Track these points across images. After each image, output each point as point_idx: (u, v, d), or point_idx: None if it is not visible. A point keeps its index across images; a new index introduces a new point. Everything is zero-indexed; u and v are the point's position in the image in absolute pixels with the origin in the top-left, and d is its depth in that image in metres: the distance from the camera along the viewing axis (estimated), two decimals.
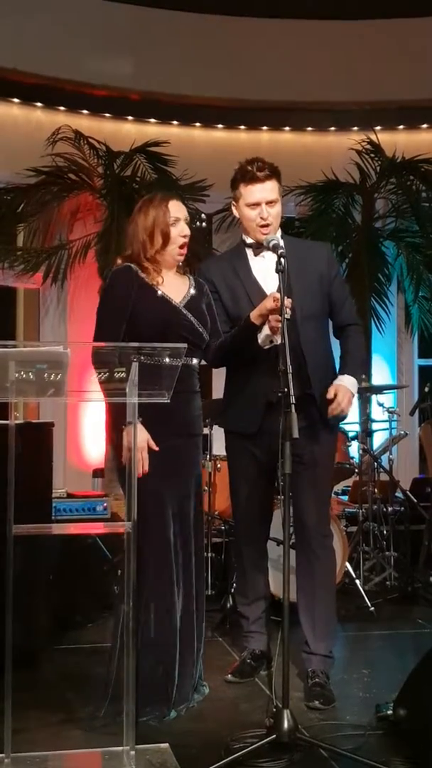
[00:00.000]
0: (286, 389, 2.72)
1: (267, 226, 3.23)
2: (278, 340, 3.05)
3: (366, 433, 5.36)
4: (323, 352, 3.33)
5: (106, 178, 6.60)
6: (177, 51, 6.84)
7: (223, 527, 4.98)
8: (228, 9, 7.00)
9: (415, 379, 7.46)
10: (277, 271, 2.91)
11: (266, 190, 3.22)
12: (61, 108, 6.87)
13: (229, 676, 3.41)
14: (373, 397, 5.52)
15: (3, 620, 2.47)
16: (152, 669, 2.96)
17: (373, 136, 6.97)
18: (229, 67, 6.95)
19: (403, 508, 5.40)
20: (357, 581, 4.62)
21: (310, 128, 7.41)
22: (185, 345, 2.80)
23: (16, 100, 6.79)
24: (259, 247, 3.27)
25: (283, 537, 2.80)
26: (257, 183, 3.21)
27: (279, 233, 3.30)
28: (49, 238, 6.64)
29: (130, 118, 7.12)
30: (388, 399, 6.06)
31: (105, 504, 4.43)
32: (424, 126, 7.40)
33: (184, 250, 3.16)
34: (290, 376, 2.74)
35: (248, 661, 3.46)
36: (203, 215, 6.91)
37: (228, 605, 4.20)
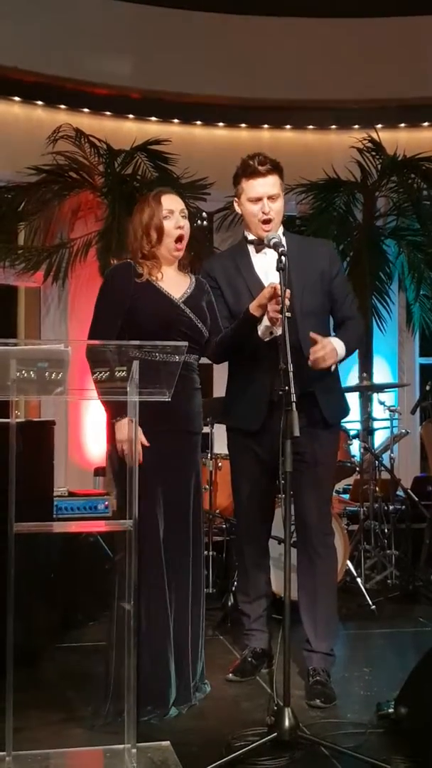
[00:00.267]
0: (286, 387, 2.72)
1: (269, 221, 3.22)
2: (278, 331, 3.05)
3: (367, 432, 5.36)
4: None
5: (107, 177, 6.60)
6: (178, 49, 6.84)
7: (224, 525, 4.99)
8: (229, 7, 6.99)
9: (417, 378, 7.45)
10: (278, 269, 2.91)
11: (268, 184, 3.21)
12: (62, 106, 6.87)
13: (230, 675, 3.41)
14: (375, 396, 5.52)
15: (4, 619, 2.47)
16: (145, 667, 2.95)
17: (374, 135, 6.97)
18: (230, 66, 6.94)
19: (404, 507, 5.40)
20: (358, 579, 4.62)
21: (311, 126, 7.41)
22: (186, 343, 2.80)
23: (16, 98, 6.78)
24: (260, 244, 3.27)
25: (284, 535, 2.79)
26: (259, 177, 3.21)
27: (281, 230, 3.30)
28: (50, 236, 6.64)
29: (130, 116, 7.12)
30: (389, 397, 6.07)
31: (106, 502, 4.43)
32: (425, 124, 7.40)
33: (180, 245, 3.14)
34: (291, 374, 2.74)
35: (249, 659, 3.46)
36: (204, 214, 6.92)
37: (229, 604, 4.20)
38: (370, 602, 4.48)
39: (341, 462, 4.72)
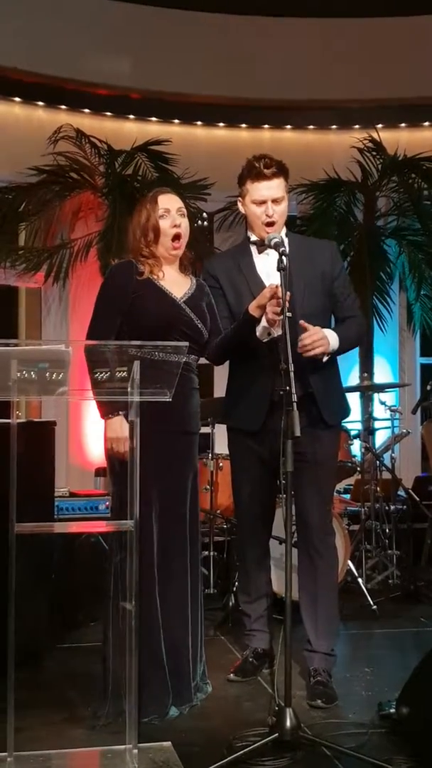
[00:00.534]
0: (287, 387, 2.72)
1: (272, 224, 3.22)
2: (276, 332, 3.06)
3: (368, 432, 5.36)
4: None
5: (108, 177, 6.60)
6: (178, 49, 6.84)
7: (225, 526, 4.98)
8: (229, 7, 7.00)
9: (417, 378, 7.45)
10: (279, 269, 2.91)
11: (273, 187, 3.21)
12: (63, 107, 6.87)
13: (231, 675, 3.41)
14: (376, 396, 5.52)
15: (6, 619, 2.47)
16: (142, 666, 2.95)
17: (374, 134, 6.97)
18: (230, 66, 6.94)
19: (405, 507, 5.40)
20: (359, 579, 4.61)
21: (311, 126, 7.41)
22: (186, 343, 2.80)
23: (17, 99, 6.78)
24: (263, 245, 3.27)
25: (285, 535, 2.79)
26: (264, 180, 3.20)
27: (283, 231, 3.30)
28: (51, 237, 6.64)
29: (131, 116, 7.12)
30: (390, 397, 6.07)
31: (107, 503, 4.42)
32: (426, 124, 7.40)
33: (178, 243, 3.14)
34: (292, 374, 2.74)
35: (250, 659, 3.46)
36: (204, 214, 6.92)
37: (230, 604, 4.20)
38: (372, 602, 4.48)
39: (342, 462, 4.72)
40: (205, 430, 4.24)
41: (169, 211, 3.12)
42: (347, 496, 5.94)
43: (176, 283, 3.16)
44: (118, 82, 6.91)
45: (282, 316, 2.84)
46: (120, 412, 2.96)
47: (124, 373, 2.59)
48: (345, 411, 3.42)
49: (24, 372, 2.47)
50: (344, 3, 7.03)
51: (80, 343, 2.70)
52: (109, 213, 6.43)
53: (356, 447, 5.34)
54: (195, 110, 7.17)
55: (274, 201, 3.22)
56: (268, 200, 3.21)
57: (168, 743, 2.72)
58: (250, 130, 7.35)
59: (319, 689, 3.17)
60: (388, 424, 5.32)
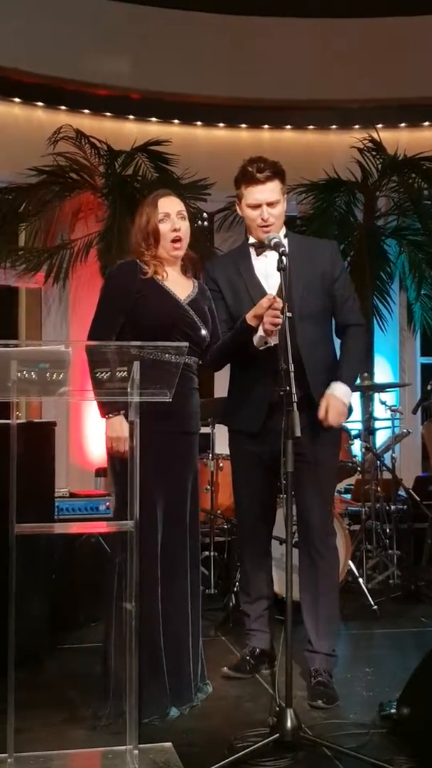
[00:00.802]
0: (287, 388, 2.72)
1: (268, 226, 3.22)
2: (272, 342, 3.07)
3: (369, 432, 5.36)
4: (324, 353, 3.31)
5: (108, 178, 6.60)
6: (178, 50, 6.84)
7: (225, 526, 4.98)
8: (229, 7, 7.00)
9: (418, 377, 7.45)
10: (278, 269, 2.91)
11: (267, 191, 3.20)
12: (62, 107, 6.87)
13: (226, 668, 3.42)
14: (376, 396, 5.52)
15: (6, 619, 2.47)
16: (143, 667, 2.95)
17: (374, 134, 6.97)
18: (230, 66, 6.94)
19: (405, 507, 5.40)
20: (360, 580, 4.61)
21: (311, 126, 7.40)
22: (187, 343, 2.80)
23: (17, 99, 6.78)
24: (261, 246, 3.27)
25: (285, 536, 2.79)
26: (258, 184, 3.20)
27: (282, 231, 3.30)
28: (51, 237, 6.64)
29: (131, 117, 7.12)
30: (390, 397, 6.06)
31: (107, 503, 4.42)
32: (426, 124, 7.39)
33: (179, 245, 3.14)
34: (292, 374, 2.74)
35: (248, 658, 3.47)
36: (205, 214, 6.91)
37: (231, 604, 4.20)
38: (372, 602, 4.48)
39: (343, 462, 4.71)
40: (205, 430, 4.24)
41: (169, 215, 3.12)
42: (348, 496, 5.94)
43: (179, 285, 3.16)
44: (118, 83, 6.91)
45: (283, 319, 2.84)
46: (120, 412, 2.96)
47: (124, 373, 2.59)
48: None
49: (24, 372, 2.46)
50: (344, 3, 7.03)
51: (80, 343, 2.69)
52: (109, 213, 6.43)
53: (357, 447, 5.33)
54: (195, 110, 7.17)
55: (269, 204, 3.21)
56: (262, 204, 3.21)
57: (168, 744, 2.71)
58: (250, 130, 7.35)
59: (320, 690, 3.17)
60: (388, 423, 5.32)
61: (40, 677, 3.42)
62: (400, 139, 7.12)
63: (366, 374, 5.98)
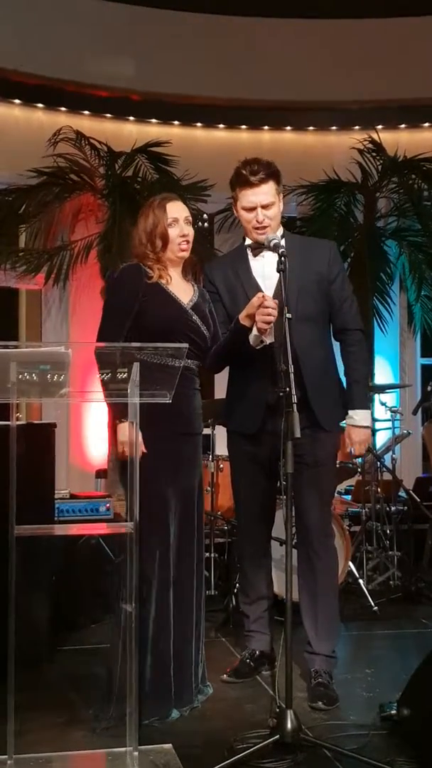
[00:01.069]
0: (287, 389, 2.72)
1: (263, 228, 3.22)
2: (267, 340, 3.07)
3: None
4: (321, 355, 3.30)
5: (108, 179, 6.60)
6: (178, 51, 6.84)
7: (225, 527, 4.98)
8: (229, 9, 7.00)
9: (418, 378, 7.45)
10: (278, 270, 2.91)
11: (261, 194, 3.20)
12: (63, 109, 6.87)
13: (225, 675, 3.41)
14: (376, 397, 5.51)
15: (6, 621, 2.47)
16: (151, 669, 2.95)
17: (374, 135, 6.96)
18: (230, 67, 6.94)
19: (406, 508, 5.39)
20: (360, 581, 4.61)
21: (311, 128, 7.40)
22: (187, 345, 2.80)
23: (17, 101, 6.78)
24: (258, 248, 3.28)
25: (285, 537, 2.79)
26: (252, 187, 3.20)
27: (280, 231, 3.30)
28: (51, 239, 6.64)
29: (131, 118, 7.12)
30: (390, 398, 6.07)
31: (108, 504, 4.42)
32: (426, 125, 7.39)
33: (185, 247, 3.15)
34: (292, 375, 2.74)
35: (247, 661, 3.46)
36: (205, 215, 6.91)
37: (231, 605, 4.20)
38: (373, 603, 4.48)
39: (343, 463, 4.71)
40: (205, 431, 4.24)
41: (178, 221, 3.13)
42: (348, 497, 5.93)
43: (182, 289, 3.17)
44: (118, 84, 6.90)
45: (284, 320, 2.84)
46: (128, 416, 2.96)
47: (125, 374, 2.59)
48: (342, 415, 3.41)
49: (24, 374, 2.47)
50: (344, 4, 7.03)
51: (80, 344, 2.70)
52: (110, 215, 6.43)
53: None
54: (195, 112, 7.16)
55: (264, 207, 3.21)
56: (257, 206, 3.21)
57: (169, 745, 2.72)
58: (250, 131, 7.35)
59: (320, 691, 3.16)
60: (388, 425, 5.32)
61: (40, 679, 3.42)
62: (400, 140, 7.11)
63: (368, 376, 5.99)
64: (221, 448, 4.26)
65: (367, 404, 3.36)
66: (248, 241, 3.34)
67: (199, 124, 7.29)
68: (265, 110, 7.21)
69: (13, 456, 2.49)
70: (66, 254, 6.57)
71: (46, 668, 3.57)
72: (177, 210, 3.15)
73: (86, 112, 6.95)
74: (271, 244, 3.02)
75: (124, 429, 2.99)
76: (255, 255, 3.31)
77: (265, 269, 3.26)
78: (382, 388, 5.59)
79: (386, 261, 6.92)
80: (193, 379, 3.16)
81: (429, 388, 5.28)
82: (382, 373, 7.21)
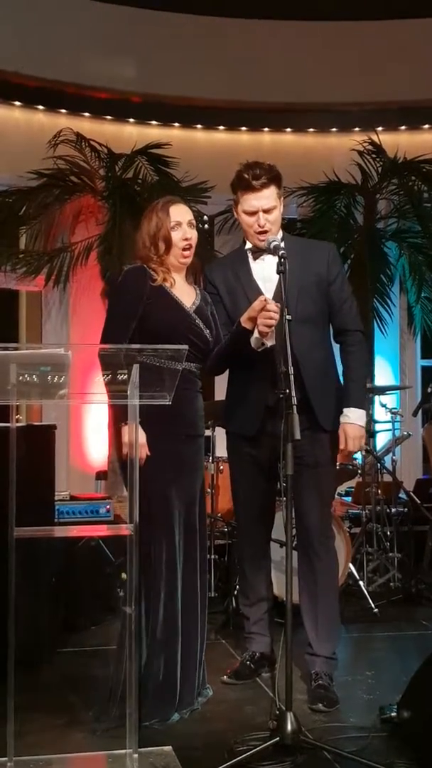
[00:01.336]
0: (287, 390, 2.72)
1: (264, 232, 3.22)
2: (269, 343, 3.08)
3: (369, 434, 5.35)
4: (321, 356, 3.30)
5: (108, 181, 6.60)
6: (178, 53, 6.85)
7: (226, 529, 4.98)
8: (229, 11, 7.01)
9: (418, 380, 7.45)
10: (278, 272, 2.91)
11: (263, 198, 3.20)
12: (63, 111, 6.88)
13: (225, 677, 3.41)
14: (376, 398, 5.52)
15: (6, 623, 2.47)
16: (160, 671, 2.96)
17: (374, 137, 6.97)
18: (230, 69, 6.95)
19: (406, 509, 5.39)
20: (361, 582, 4.61)
21: (311, 129, 7.42)
22: (186, 347, 2.80)
23: (17, 103, 6.80)
24: (258, 251, 3.28)
25: (285, 538, 2.79)
26: (254, 192, 3.19)
27: (280, 234, 3.30)
28: (51, 240, 6.64)
29: (131, 120, 7.13)
30: (390, 400, 6.06)
31: (108, 506, 4.42)
32: (426, 126, 7.40)
33: (188, 252, 3.16)
34: (292, 377, 2.74)
35: (247, 663, 3.46)
36: (205, 217, 6.92)
37: (231, 607, 4.19)
38: (373, 605, 4.47)
39: (343, 465, 4.71)
40: (205, 433, 4.23)
41: (181, 224, 3.13)
42: (348, 499, 5.93)
43: (185, 292, 3.17)
44: (118, 86, 6.92)
45: (284, 322, 2.84)
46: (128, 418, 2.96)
47: (125, 376, 2.59)
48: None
49: (24, 375, 2.47)
50: (344, 7, 7.03)
51: (80, 346, 2.70)
52: (110, 216, 6.43)
53: None
54: (195, 113, 7.17)
55: (266, 211, 3.21)
56: (258, 211, 3.21)
57: (169, 747, 2.71)
58: (251, 133, 7.36)
59: (320, 693, 3.16)
60: (388, 426, 5.32)
61: (40, 680, 3.42)
62: (400, 141, 7.12)
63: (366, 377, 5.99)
64: (221, 449, 4.26)
65: (363, 404, 3.33)
66: (248, 245, 3.34)
67: (199, 126, 7.30)
68: (265, 112, 7.22)
69: (13, 458, 2.49)
70: (66, 256, 6.57)
71: (46, 670, 3.57)
72: (180, 213, 3.15)
73: (86, 114, 6.96)
74: (271, 246, 3.02)
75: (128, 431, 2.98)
76: (255, 258, 3.31)
77: (265, 271, 3.26)
78: (382, 390, 5.59)
79: (386, 263, 6.92)
80: (195, 381, 3.16)
81: (429, 390, 5.28)
82: (382, 374, 7.21)
